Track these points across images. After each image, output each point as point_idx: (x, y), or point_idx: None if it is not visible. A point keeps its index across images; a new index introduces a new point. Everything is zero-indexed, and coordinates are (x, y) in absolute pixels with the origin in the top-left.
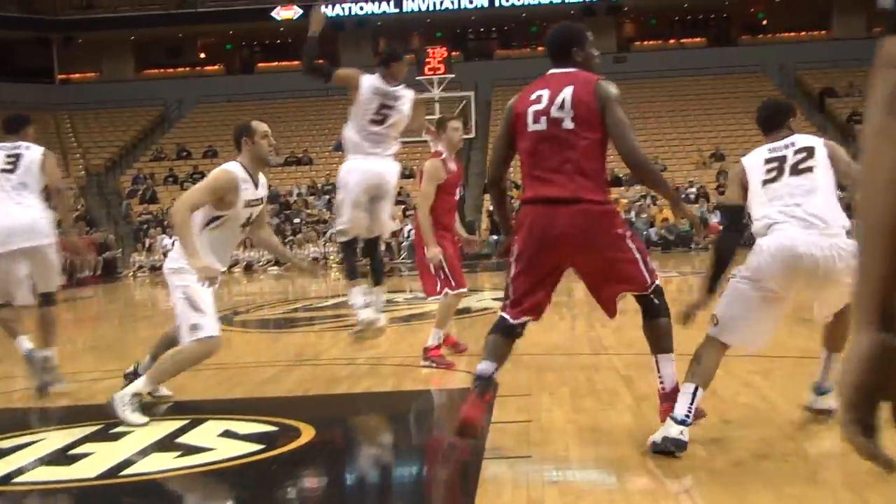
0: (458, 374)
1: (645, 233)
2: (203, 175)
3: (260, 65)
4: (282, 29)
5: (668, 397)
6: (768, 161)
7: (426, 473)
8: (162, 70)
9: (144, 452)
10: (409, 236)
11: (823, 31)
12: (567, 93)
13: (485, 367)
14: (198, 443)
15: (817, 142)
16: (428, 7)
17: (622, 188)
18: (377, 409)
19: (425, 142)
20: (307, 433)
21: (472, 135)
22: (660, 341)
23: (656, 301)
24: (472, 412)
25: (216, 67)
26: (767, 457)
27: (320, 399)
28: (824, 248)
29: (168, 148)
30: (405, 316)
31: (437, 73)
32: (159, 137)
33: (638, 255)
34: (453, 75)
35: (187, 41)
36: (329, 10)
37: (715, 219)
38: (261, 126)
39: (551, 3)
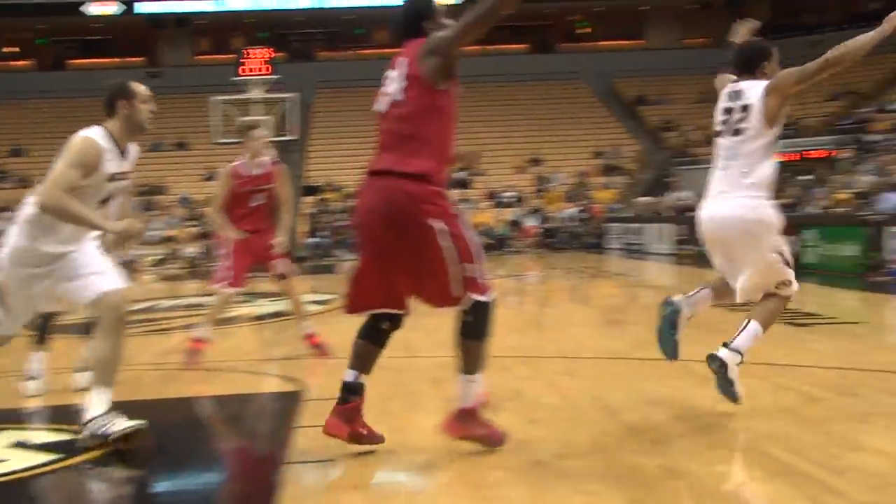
0: (269, 379)
1: None
2: (6, 175)
3: (72, 61)
4: (97, 24)
5: (461, 415)
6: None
7: (226, 480)
8: None
9: None
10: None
11: (638, 41)
12: (402, 64)
13: (346, 374)
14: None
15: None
16: (251, 6)
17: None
18: (182, 414)
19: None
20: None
21: (294, 136)
22: (463, 362)
23: (469, 319)
24: (330, 424)
25: (25, 62)
26: (566, 456)
27: (122, 405)
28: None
29: None
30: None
31: (259, 73)
32: None
33: (448, 260)
34: (278, 76)
35: None
36: (148, 7)
37: (532, 222)
38: (141, 88)
39: (378, 6)
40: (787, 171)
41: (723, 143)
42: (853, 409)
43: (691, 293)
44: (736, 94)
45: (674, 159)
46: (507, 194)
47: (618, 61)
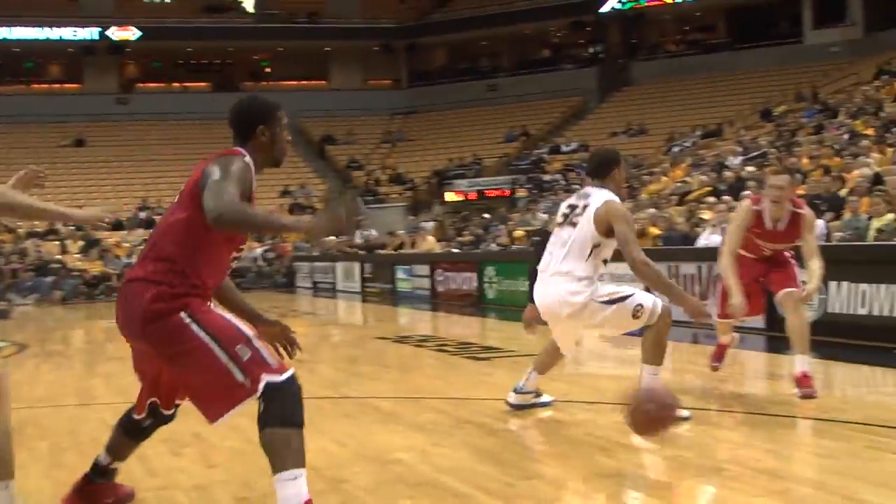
0: None
1: None
2: None
3: None
4: None
5: None
6: (567, 207)
7: None
8: None
9: None
10: None
11: (323, 82)
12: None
13: (101, 456)
14: None
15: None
16: None
17: (124, 231)
18: None
19: None
20: None
21: None
22: (271, 458)
23: (263, 404)
24: (67, 500)
25: None
26: (248, 499)
27: None
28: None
29: None
30: None
31: None
32: None
33: (214, 348)
34: None
35: None
36: None
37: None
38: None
39: (48, 38)
40: (468, 210)
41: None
42: (527, 439)
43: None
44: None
45: (361, 198)
46: None
47: (303, 101)
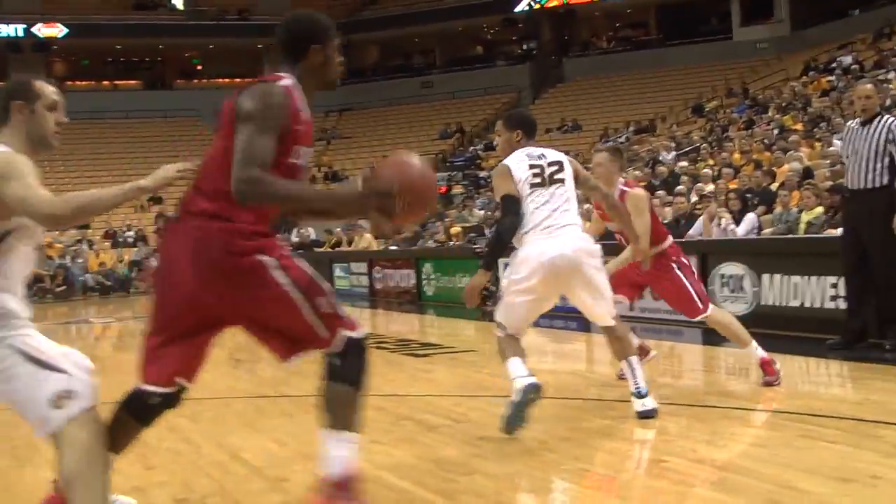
0: None
1: (81, 278)
2: None
3: None
4: None
5: (334, 490)
6: (532, 167)
7: None
8: None
9: None
10: None
11: (254, 78)
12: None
13: None
14: None
15: (563, 157)
16: None
17: (55, 232)
18: None
19: None
20: None
21: None
22: (330, 413)
23: (339, 359)
24: None
25: None
26: (187, 500)
27: None
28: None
29: None
30: None
31: None
32: None
33: (295, 296)
34: None
35: None
36: None
37: (155, 262)
38: (50, 89)
39: None
40: None
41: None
42: (466, 434)
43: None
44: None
45: None
46: (128, 234)
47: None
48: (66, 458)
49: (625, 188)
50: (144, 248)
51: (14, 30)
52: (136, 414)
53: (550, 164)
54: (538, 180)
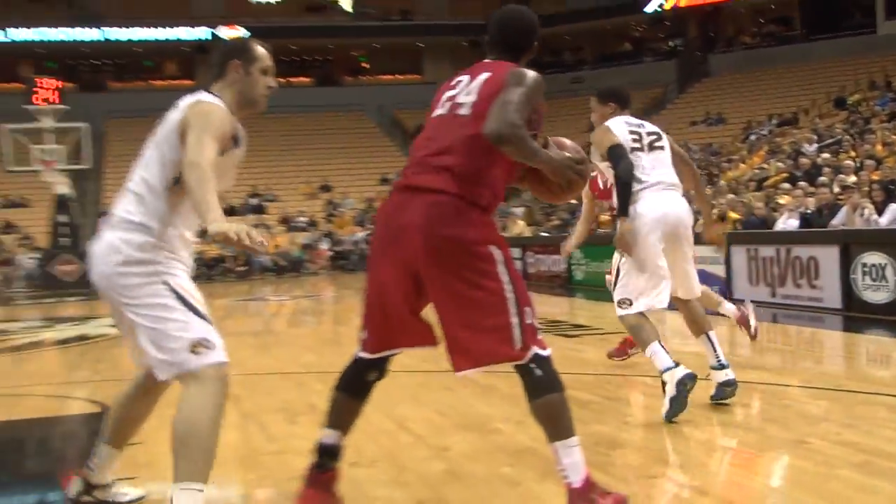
0: (75, 402)
1: (259, 260)
2: None
3: None
4: None
5: (580, 495)
6: (631, 133)
7: (28, 496)
8: None
9: None
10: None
11: (417, 76)
12: (481, 77)
13: (324, 434)
14: None
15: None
16: (39, 38)
17: (236, 217)
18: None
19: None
20: None
21: (87, 165)
22: (550, 425)
23: (538, 372)
24: (307, 496)
25: None
26: (358, 463)
27: None
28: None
29: None
30: (18, 345)
31: (49, 102)
32: None
33: (510, 298)
34: (67, 107)
35: None
36: None
37: (324, 245)
38: (265, 54)
39: (165, 39)
40: None
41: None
42: (616, 411)
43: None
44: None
45: None
46: (300, 219)
47: (398, 94)
48: (187, 403)
49: None
50: (315, 233)
51: (201, 33)
52: (353, 391)
53: (649, 133)
54: (637, 145)
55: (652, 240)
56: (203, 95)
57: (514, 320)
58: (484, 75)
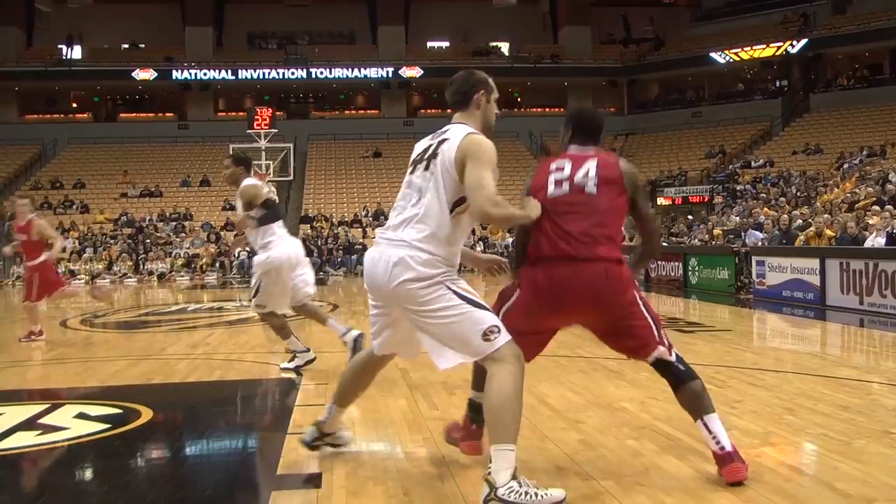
0: (274, 367)
1: None
2: (73, 204)
3: (121, 115)
4: (140, 87)
5: (732, 456)
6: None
7: (240, 447)
8: (41, 115)
9: (10, 431)
10: (238, 256)
11: (561, 109)
12: (591, 163)
13: (474, 395)
14: (56, 423)
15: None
16: (258, 76)
17: None
18: (205, 395)
19: None
20: (146, 414)
21: (290, 177)
22: (698, 404)
23: (677, 366)
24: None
25: (86, 115)
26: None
27: (159, 387)
28: None
29: (44, 180)
30: (232, 320)
31: (264, 127)
32: (37, 171)
33: (651, 320)
34: (276, 130)
35: (62, 93)
36: (181, 74)
37: (478, 248)
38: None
39: (356, 76)
40: (675, 212)
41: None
42: (725, 398)
43: None
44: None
45: None
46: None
47: (546, 124)
48: (493, 381)
49: None
50: (471, 238)
51: (386, 72)
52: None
53: None
54: None
55: None
56: (466, 128)
57: (657, 332)
58: (592, 161)
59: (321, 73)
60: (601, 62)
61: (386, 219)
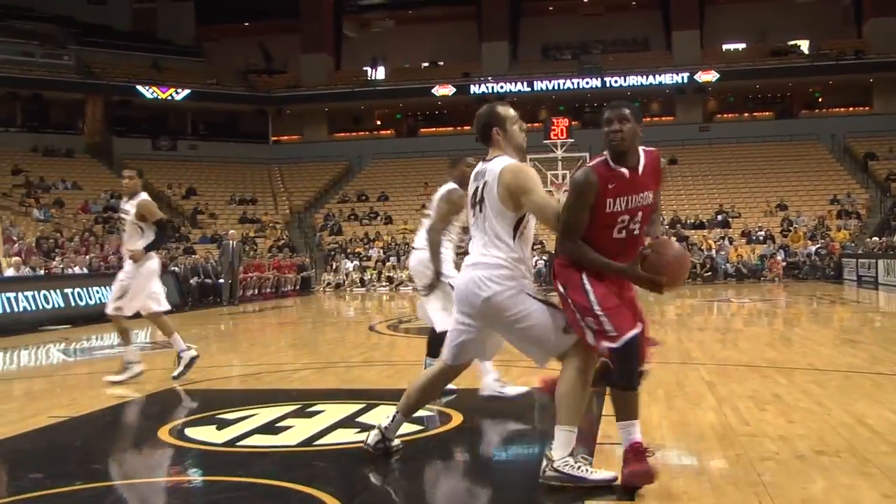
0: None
1: (723, 266)
2: (377, 215)
3: (422, 130)
4: (439, 102)
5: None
6: None
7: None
8: (347, 133)
9: (332, 428)
10: (536, 264)
11: (867, 108)
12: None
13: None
14: (372, 422)
15: None
16: (553, 87)
17: (704, 230)
18: (513, 401)
19: None
20: (456, 419)
21: None
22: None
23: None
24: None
25: (389, 132)
26: (824, 452)
27: (468, 392)
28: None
29: (351, 193)
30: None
31: (560, 137)
32: (344, 185)
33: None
34: (573, 140)
35: (367, 111)
36: (479, 88)
37: (780, 256)
38: (506, 109)
39: (651, 83)
40: None
41: None
42: None
43: None
44: None
45: None
46: (759, 233)
47: (849, 124)
48: (566, 371)
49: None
50: (771, 245)
51: (680, 78)
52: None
53: None
54: None
55: None
56: (500, 164)
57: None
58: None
59: (615, 81)
60: None
61: (683, 227)
